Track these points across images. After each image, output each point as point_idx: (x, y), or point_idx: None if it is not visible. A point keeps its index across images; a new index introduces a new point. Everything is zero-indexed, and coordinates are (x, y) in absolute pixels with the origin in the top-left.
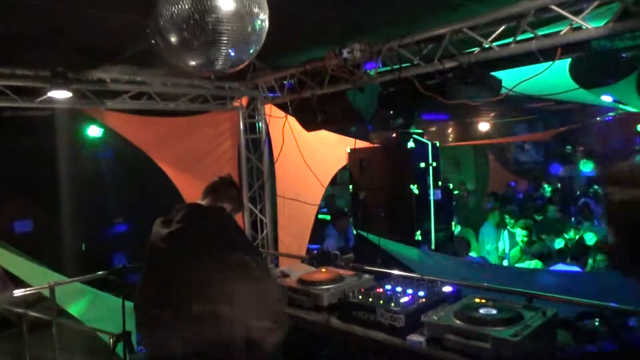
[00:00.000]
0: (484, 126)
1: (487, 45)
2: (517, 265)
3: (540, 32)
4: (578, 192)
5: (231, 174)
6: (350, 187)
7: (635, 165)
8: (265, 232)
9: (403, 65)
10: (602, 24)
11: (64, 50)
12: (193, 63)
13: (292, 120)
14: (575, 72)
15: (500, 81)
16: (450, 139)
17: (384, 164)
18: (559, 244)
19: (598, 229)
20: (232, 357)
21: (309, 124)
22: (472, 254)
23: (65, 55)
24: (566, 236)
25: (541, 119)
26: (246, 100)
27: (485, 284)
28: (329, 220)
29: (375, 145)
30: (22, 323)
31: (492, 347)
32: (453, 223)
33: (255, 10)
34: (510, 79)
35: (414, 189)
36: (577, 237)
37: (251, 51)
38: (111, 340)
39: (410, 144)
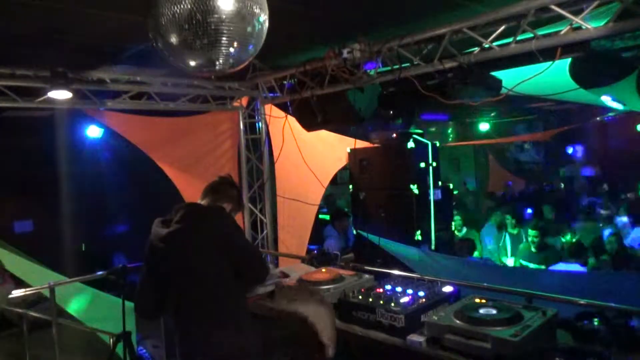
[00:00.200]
0: (484, 126)
1: (487, 45)
2: (523, 262)
3: (540, 32)
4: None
5: (231, 174)
6: (350, 187)
7: None
8: (265, 232)
9: (403, 65)
10: (602, 24)
11: (64, 50)
12: (193, 63)
13: (292, 120)
14: (575, 72)
15: (500, 81)
16: (450, 139)
17: (384, 164)
18: (555, 243)
19: (597, 228)
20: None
21: (309, 124)
22: (475, 254)
23: (65, 55)
24: (562, 239)
25: (541, 119)
26: (246, 100)
27: (485, 284)
28: (329, 220)
29: (375, 145)
30: (22, 323)
31: (492, 347)
32: (460, 224)
33: (256, 10)
34: (510, 79)
35: (414, 189)
36: (575, 239)
37: (251, 51)
38: (111, 340)
39: (410, 144)
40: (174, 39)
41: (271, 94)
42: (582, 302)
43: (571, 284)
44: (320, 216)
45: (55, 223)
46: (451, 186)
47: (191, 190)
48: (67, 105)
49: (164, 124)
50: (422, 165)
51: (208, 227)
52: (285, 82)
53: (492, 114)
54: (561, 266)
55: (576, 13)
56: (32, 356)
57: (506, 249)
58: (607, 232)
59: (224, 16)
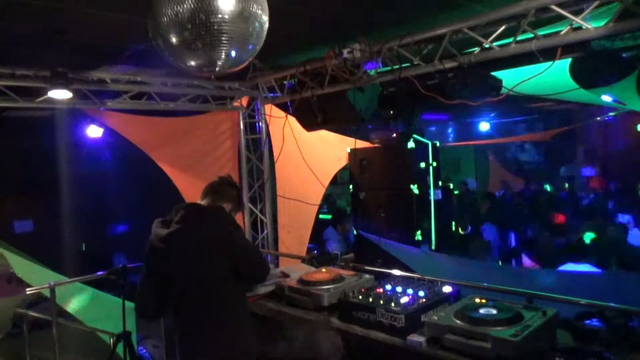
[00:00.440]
0: (484, 126)
1: (487, 45)
2: None
3: (541, 32)
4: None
5: (231, 174)
6: (351, 187)
7: None
8: (265, 232)
9: (403, 65)
10: (602, 24)
11: (64, 50)
12: (194, 63)
13: (292, 120)
14: (575, 72)
15: (500, 81)
16: (450, 139)
17: (384, 164)
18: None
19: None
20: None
21: (309, 124)
22: None
23: (65, 55)
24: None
25: (541, 119)
26: (246, 100)
27: (485, 284)
28: (330, 220)
29: (375, 145)
30: (22, 323)
31: (492, 347)
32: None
33: (256, 10)
34: (511, 79)
35: (414, 188)
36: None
37: (251, 51)
38: (111, 340)
39: (410, 144)
40: (174, 39)
41: (271, 94)
42: (582, 302)
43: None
44: (321, 216)
45: (55, 223)
46: (451, 186)
47: (191, 190)
48: (67, 105)
49: (164, 124)
50: (422, 165)
51: (208, 228)
52: (285, 82)
53: (492, 114)
54: (571, 266)
55: (576, 13)
56: (32, 356)
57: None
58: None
59: (225, 16)
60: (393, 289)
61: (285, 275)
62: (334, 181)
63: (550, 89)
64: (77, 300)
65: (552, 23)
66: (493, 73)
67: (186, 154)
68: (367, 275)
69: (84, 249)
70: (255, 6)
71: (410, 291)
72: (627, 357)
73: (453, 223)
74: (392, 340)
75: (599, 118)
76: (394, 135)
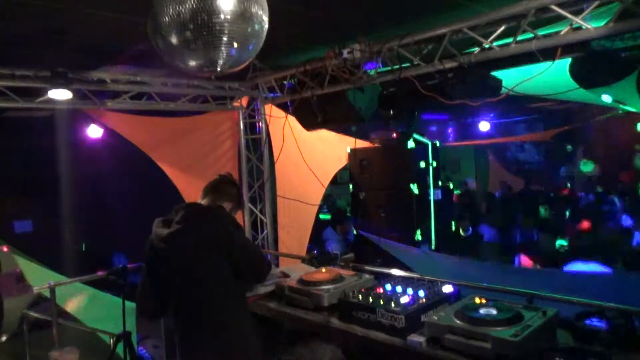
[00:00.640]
0: (484, 126)
1: (487, 45)
2: None
3: (541, 32)
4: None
5: (231, 173)
6: (351, 187)
7: None
8: (265, 232)
9: (403, 65)
10: (602, 24)
11: (64, 50)
12: (194, 63)
13: (292, 120)
14: (575, 72)
15: (500, 81)
16: (450, 139)
17: (384, 164)
18: (559, 243)
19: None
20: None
21: (309, 124)
22: None
23: (65, 55)
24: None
25: (541, 119)
26: (246, 100)
27: (485, 284)
28: (330, 220)
29: (375, 145)
30: (22, 323)
31: (492, 347)
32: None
33: (256, 10)
34: (511, 78)
35: (414, 188)
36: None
37: (251, 51)
38: (111, 340)
39: (410, 144)
40: (175, 39)
41: (271, 94)
42: (582, 302)
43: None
44: (321, 216)
45: (55, 223)
46: (451, 186)
47: (191, 190)
48: (67, 105)
49: (164, 124)
50: (422, 165)
51: (208, 228)
52: (285, 82)
53: (492, 114)
54: (579, 266)
55: (576, 13)
56: (32, 356)
57: None
58: None
59: (226, 16)
60: (393, 289)
61: (285, 275)
62: (334, 181)
63: (550, 89)
64: (77, 301)
65: (552, 23)
66: (493, 73)
67: (186, 154)
68: (367, 275)
69: (83, 249)
70: (255, 6)
71: (410, 291)
72: (627, 357)
73: (453, 223)
74: (392, 341)
75: (599, 118)
76: (394, 135)
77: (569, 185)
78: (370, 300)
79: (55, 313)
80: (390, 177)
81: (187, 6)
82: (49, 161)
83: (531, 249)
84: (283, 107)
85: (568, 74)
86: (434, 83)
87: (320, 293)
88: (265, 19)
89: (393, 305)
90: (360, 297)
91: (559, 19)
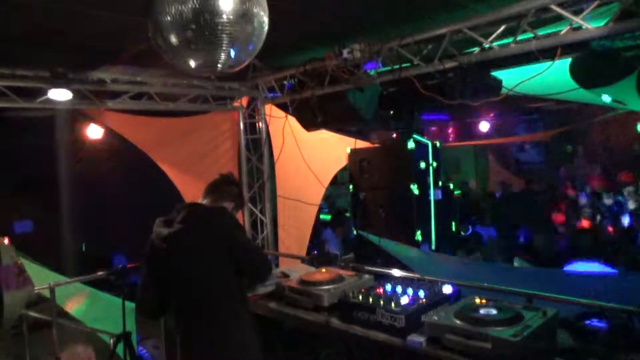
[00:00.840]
0: (484, 126)
1: (487, 45)
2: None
3: (540, 32)
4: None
5: (232, 172)
6: (351, 187)
7: None
8: (265, 232)
9: (403, 65)
10: (602, 24)
11: (64, 50)
12: (194, 63)
13: (292, 120)
14: (575, 72)
15: (500, 81)
16: (450, 139)
17: (384, 164)
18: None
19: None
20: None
21: (309, 124)
22: None
23: (65, 55)
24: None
25: (541, 119)
26: (246, 100)
27: (485, 284)
28: (329, 221)
29: (375, 145)
30: (22, 323)
31: (492, 347)
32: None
33: (256, 10)
34: (511, 79)
35: (414, 189)
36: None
37: (251, 51)
38: (111, 340)
39: (410, 144)
40: (175, 39)
41: (271, 94)
42: (582, 302)
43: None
44: (321, 216)
45: (55, 223)
46: (451, 186)
47: (191, 190)
48: (67, 105)
49: (164, 124)
50: (422, 165)
51: (210, 228)
52: (285, 82)
53: (492, 114)
54: (580, 266)
55: (576, 13)
56: (32, 356)
57: None
58: None
59: (226, 17)
60: (393, 289)
61: (285, 275)
62: (334, 181)
63: (550, 89)
64: (77, 301)
65: (552, 23)
66: (493, 73)
67: (186, 154)
68: (367, 276)
69: (83, 249)
70: (255, 6)
71: (410, 291)
72: (627, 357)
73: (453, 223)
74: (392, 341)
75: (599, 118)
76: (394, 135)
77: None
78: (371, 300)
79: (55, 313)
80: (390, 178)
81: (188, 6)
82: (49, 161)
83: (533, 249)
84: (283, 107)
85: (568, 74)
86: (434, 83)
87: (321, 293)
88: (266, 19)
89: (393, 305)
90: (360, 297)
91: (559, 19)
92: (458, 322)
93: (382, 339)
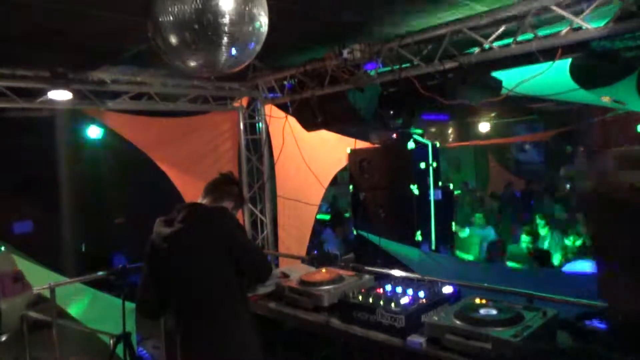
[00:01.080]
0: (484, 126)
1: (487, 46)
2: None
3: (541, 33)
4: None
5: (232, 172)
6: (351, 187)
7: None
8: (265, 232)
9: (403, 65)
10: (602, 24)
11: (64, 50)
12: (194, 64)
13: (292, 120)
14: (575, 72)
15: (500, 81)
16: (450, 139)
17: (384, 164)
18: (570, 242)
19: None
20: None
21: (309, 124)
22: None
23: (65, 55)
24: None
25: (541, 119)
26: (246, 100)
27: (485, 284)
28: (328, 221)
29: (375, 145)
30: (22, 323)
31: (492, 347)
32: (483, 222)
33: (256, 10)
34: (511, 79)
35: (414, 189)
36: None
37: (252, 51)
38: (111, 341)
39: (410, 144)
40: (175, 40)
41: (271, 94)
42: (582, 302)
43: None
44: (318, 216)
45: (55, 223)
46: (451, 186)
47: (191, 190)
48: (67, 105)
49: (164, 124)
50: (422, 165)
51: (211, 228)
52: (285, 82)
53: (492, 114)
54: (580, 265)
55: (576, 13)
56: (32, 356)
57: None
58: None
59: (227, 17)
60: (393, 290)
61: (285, 275)
62: (334, 182)
63: (550, 89)
64: (77, 301)
65: (552, 23)
66: (493, 73)
67: (186, 155)
68: (367, 276)
69: (83, 249)
70: (255, 6)
71: (410, 292)
72: (627, 358)
73: (453, 223)
74: (392, 341)
75: (599, 118)
76: (394, 135)
77: (568, 186)
78: (370, 300)
79: (55, 313)
80: (390, 178)
81: (189, 6)
82: (49, 161)
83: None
84: (283, 107)
85: (568, 74)
86: (434, 83)
87: (320, 293)
88: (266, 19)
89: (393, 305)
90: (360, 297)
91: (559, 19)
92: (458, 322)
93: (382, 339)
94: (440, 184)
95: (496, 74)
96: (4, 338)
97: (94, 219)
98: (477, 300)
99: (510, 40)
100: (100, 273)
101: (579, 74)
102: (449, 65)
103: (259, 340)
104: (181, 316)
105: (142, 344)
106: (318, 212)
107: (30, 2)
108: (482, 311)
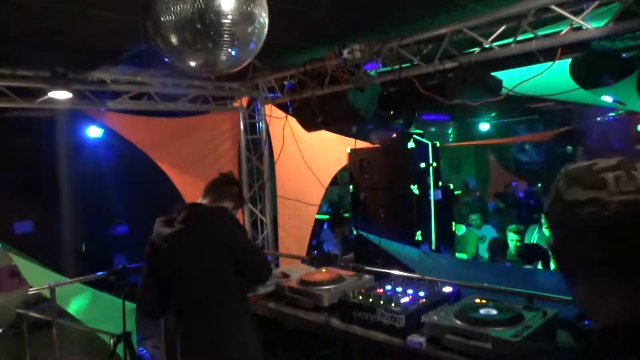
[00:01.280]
0: (484, 126)
1: (487, 46)
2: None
3: (541, 32)
4: None
5: (232, 172)
6: (351, 187)
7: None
8: (265, 232)
9: (403, 65)
10: (602, 24)
11: (64, 50)
12: (194, 63)
13: (292, 120)
14: (575, 72)
15: (500, 81)
16: (450, 139)
17: (384, 164)
18: None
19: None
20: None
21: (309, 124)
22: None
23: (65, 55)
24: None
25: (541, 119)
26: (246, 100)
27: (485, 284)
28: (327, 221)
29: (375, 145)
30: (22, 323)
31: (492, 347)
32: (479, 222)
33: (256, 10)
34: (511, 79)
35: (414, 189)
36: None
37: (252, 51)
38: (111, 340)
39: (410, 144)
40: (175, 39)
41: (271, 94)
42: None
43: None
44: (317, 216)
45: (55, 223)
46: (451, 186)
47: (191, 190)
48: (67, 105)
49: (164, 124)
50: (422, 165)
51: (211, 228)
52: (285, 82)
53: (493, 114)
54: None
55: (576, 13)
56: (32, 356)
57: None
58: None
59: (227, 17)
60: (393, 289)
61: (286, 275)
62: (334, 181)
63: (550, 89)
64: (77, 301)
65: (552, 23)
66: (493, 73)
67: (186, 155)
68: (367, 276)
69: (84, 249)
70: (255, 6)
71: (410, 291)
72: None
73: (453, 223)
74: (392, 341)
75: (599, 118)
76: (394, 135)
77: None
78: (371, 300)
79: (55, 313)
80: (390, 178)
81: (189, 6)
82: (49, 161)
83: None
84: (283, 107)
85: (568, 74)
86: (434, 83)
87: (321, 293)
88: (266, 19)
89: (393, 305)
90: (361, 297)
91: (559, 19)
92: (458, 322)
93: (382, 339)
94: (440, 183)
95: (496, 74)
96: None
97: (94, 219)
98: (477, 300)
99: (510, 40)
100: (100, 273)
101: (579, 74)
102: (449, 65)
103: (259, 340)
104: (181, 316)
105: (142, 344)
106: (318, 212)
107: (30, 2)
108: (482, 311)
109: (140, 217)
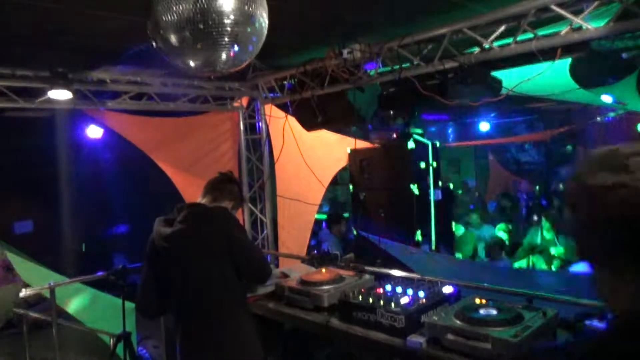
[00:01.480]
0: (484, 126)
1: (487, 46)
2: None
3: (541, 32)
4: None
5: (232, 171)
6: (351, 187)
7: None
8: (265, 232)
9: (403, 65)
10: (602, 24)
11: (64, 50)
12: (194, 63)
13: (292, 120)
14: (575, 72)
15: (500, 81)
16: (450, 139)
17: (384, 164)
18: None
19: None
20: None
21: (309, 124)
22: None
23: (65, 55)
24: None
25: (541, 119)
26: (246, 100)
27: (485, 284)
28: (325, 220)
29: (375, 145)
30: (22, 323)
31: (492, 347)
32: (478, 222)
33: (256, 10)
34: (511, 79)
35: (414, 189)
36: None
37: (252, 51)
38: (111, 340)
39: (410, 144)
40: (175, 39)
41: (271, 94)
42: (582, 302)
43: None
44: (316, 216)
45: (55, 223)
46: (451, 186)
47: (191, 190)
48: (67, 105)
49: (164, 124)
50: (422, 165)
51: (211, 228)
52: (285, 82)
53: (492, 114)
54: (583, 266)
55: (576, 13)
56: (32, 356)
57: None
58: None
59: (227, 17)
60: (393, 290)
61: (285, 275)
62: (334, 181)
63: (550, 89)
64: (77, 301)
65: (552, 23)
66: (493, 73)
67: (186, 154)
68: (367, 276)
69: (84, 249)
70: (255, 6)
71: (410, 291)
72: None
73: (453, 223)
74: (392, 341)
75: (599, 118)
76: (394, 135)
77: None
78: (371, 300)
79: (55, 313)
80: (390, 178)
81: (189, 6)
82: (49, 161)
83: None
84: (283, 107)
85: (568, 74)
86: (434, 83)
87: (320, 293)
88: (266, 19)
89: (393, 305)
90: (361, 297)
91: (559, 19)
92: (458, 322)
93: (382, 339)
94: (440, 183)
95: (496, 74)
96: None
97: (94, 219)
98: (477, 300)
99: (510, 40)
100: (100, 273)
101: (579, 74)
102: (449, 65)
103: (259, 340)
104: (181, 316)
105: (142, 344)
106: (318, 212)
107: (30, 2)
108: (482, 311)
109: (140, 217)
